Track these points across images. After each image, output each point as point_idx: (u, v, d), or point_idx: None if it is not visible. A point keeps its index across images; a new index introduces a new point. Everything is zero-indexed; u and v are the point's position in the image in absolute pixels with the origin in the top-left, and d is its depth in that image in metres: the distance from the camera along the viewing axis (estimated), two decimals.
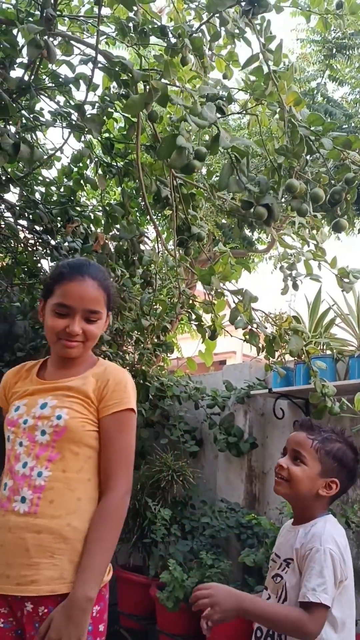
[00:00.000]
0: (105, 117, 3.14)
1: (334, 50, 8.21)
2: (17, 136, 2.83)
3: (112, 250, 3.66)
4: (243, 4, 2.66)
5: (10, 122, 3.44)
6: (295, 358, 4.02)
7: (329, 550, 1.69)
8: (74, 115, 3.22)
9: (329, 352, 3.99)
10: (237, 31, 2.95)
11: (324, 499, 1.86)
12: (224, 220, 5.96)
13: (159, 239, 3.49)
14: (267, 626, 1.83)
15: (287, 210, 3.33)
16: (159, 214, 6.36)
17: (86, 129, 3.02)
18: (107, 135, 3.59)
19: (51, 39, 2.74)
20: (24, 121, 3.49)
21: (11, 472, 1.75)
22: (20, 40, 2.81)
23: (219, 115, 2.78)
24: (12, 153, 2.53)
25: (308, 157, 2.93)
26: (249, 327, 3.27)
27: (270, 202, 2.63)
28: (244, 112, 3.27)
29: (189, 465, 4.54)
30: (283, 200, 2.91)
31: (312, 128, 2.71)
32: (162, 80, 2.64)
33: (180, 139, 2.31)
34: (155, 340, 5.18)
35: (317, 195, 2.78)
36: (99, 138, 3.39)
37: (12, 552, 1.64)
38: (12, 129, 3.42)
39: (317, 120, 2.76)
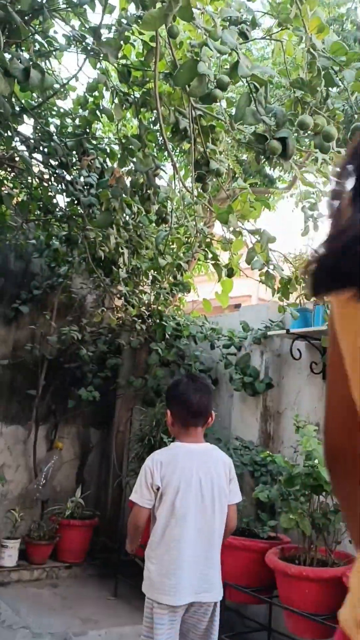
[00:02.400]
0: (122, 42, 2.96)
1: None
2: (30, 62, 2.69)
3: (128, 184, 3.55)
4: None
5: (23, 48, 3.28)
6: (314, 299, 3.95)
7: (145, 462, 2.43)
8: (89, 40, 3.04)
9: None
10: None
11: (171, 428, 2.57)
12: (244, 156, 5.76)
13: (176, 174, 3.36)
14: (130, 541, 2.53)
15: (310, 145, 3.17)
16: (177, 149, 6.16)
17: (102, 54, 2.85)
18: (123, 62, 3.41)
19: None
20: (36, 46, 3.33)
21: None
22: None
23: (241, 41, 2.61)
24: (22, 79, 2.40)
25: (333, 89, 2.75)
26: (265, 268, 3.19)
27: (286, 136, 2.47)
28: (269, 37, 3.05)
29: None
30: (304, 135, 2.76)
31: (334, 58, 2.51)
32: None
33: (202, 65, 2.16)
34: (172, 279, 5.13)
35: (329, 134, 2.58)
36: (115, 65, 3.22)
37: None
38: (26, 55, 3.27)
39: (341, 49, 2.54)
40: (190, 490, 2.37)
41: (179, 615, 2.35)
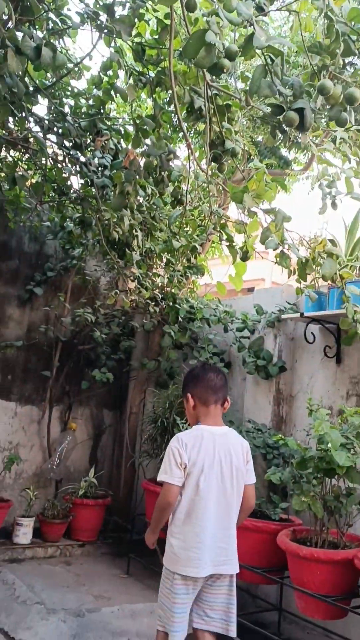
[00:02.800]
0: (136, 19, 2.92)
1: None
2: (43, 40, 2.66)
3: (141, 166, 3.52)
4: None
5: (37, 27, 3.25)
6: (329, 282, 3.91)
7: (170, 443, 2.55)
8: (103, 18, 3.00)
9: None
10: None
11: (191, 414, 2.71)
12: (260, 137, 5.69)
13: (190, 152, 3.32)
14: (155, 524, 2.63)
15: (328, 125, 3.10)
16: (192, 130, 6.10)
17: (115, 32, 2.81)
18: (138, 40, 3.36)
19: None
20: (50, 25, 3.29)
21: None
22: None
23: (257, 14, 2.55)
24: (34, 57, 2.37)
25: (349, 59, 2.66)
26: (281, 248, 3.15)
27: (304, 107, 2.39)
28: (287, 9, 2.97)
29: None
30: (320, 109, 2.67)
31: (352, 26, 2.42)
32: None
33: (210, 34, 2.09)
34: (186, 262, 5.11)
35: (353, 97, 2.44)
36: (130, 43, 3.18)
37: None
38: (39, 33, 3.24)
39: (358, 16, 2.47)
40: (212, 470, 2.53)
41: (198, 586, 2.54)
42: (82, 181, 4.32)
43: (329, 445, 2.98)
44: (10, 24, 2.49)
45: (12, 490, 5.12)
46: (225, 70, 2.26)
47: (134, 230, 4.21)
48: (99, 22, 2.96)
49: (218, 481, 2.55)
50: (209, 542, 2.51)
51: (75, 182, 4.51)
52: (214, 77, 3.11)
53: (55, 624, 3.36)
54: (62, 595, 3.85)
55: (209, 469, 2.52)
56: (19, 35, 2.52)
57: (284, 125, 2.46)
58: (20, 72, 2.79)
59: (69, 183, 4.36)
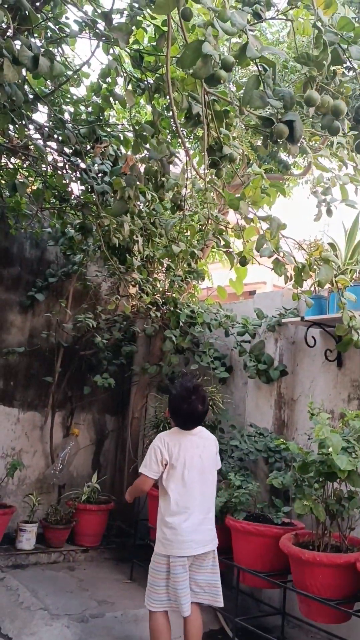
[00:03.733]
0: (133, 27, 2.94)
1: None
2: (42, 49, 2.69)
3: (142, 172, 3.53)
4: None
5: (35, 35, 3.28)
6: (329, 287, 3.92)
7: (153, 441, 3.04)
8: (101, 25, 3.02)
9: None
10: None
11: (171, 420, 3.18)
12: (259, 142, 5.70)
13: (189, 159, 3.34)
14: (132, 494, 3.23)
15: (321, 130, 3.11)
16: (190, 136, 6.12)
17: (113, 39, 2.83)
18: (136, 47, 3.39)
19: None
20: (48, 33, 3.32)
21: None
22: None
23: (253, 21, 2.56)
24: (31, 67, 2.39)
25: (341, 68, 2.67)
26: (275, 255, 3.16)
27: (293, 119, 2.41)
28: (284, 18, 2.98)
29: (218, 390, 4.59)
30: (313, 118, 2.68)
31: (342, 34, 2.41)
32: None
33: (207, 45, 2.11)
34: (186, 267, 5.13)
35: (338, 108, 2.47)
36: (128, 50, 3.20)
37: None
38: (38, 42, 3.27)
39: (348, 25, 2.45)
40: (193, 464, 2.99)
41: (189, 563, 2.98)
42: (83, 187, 4.34)
43: (330, 449, 2.98)
44: (9, 33, 2.52)
45: (15, 496, 5.13)
46: (222, 81, 2.27)
47: (134, 236, 4.23)
48: (97, 30, 2.98)
49: (199, 472, 3.01)
50: (197, 526, 2.97)
51: (76, 188, 4.54)
52: None
53: (59, 630, 3.36)
54: (65, 600, 3.86)
55: (190, 463, 2.98)
56: (17, 44, 2.54)
57: (274, 136, 2.47)
58: (19, 81, 2.81)
59: (69, 189, 4.38)
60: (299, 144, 2.50)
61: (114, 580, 4.39)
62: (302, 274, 3.20)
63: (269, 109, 2.44)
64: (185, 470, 2.98)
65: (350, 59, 2.34)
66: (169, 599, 2.98)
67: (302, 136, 2.42)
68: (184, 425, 3.08)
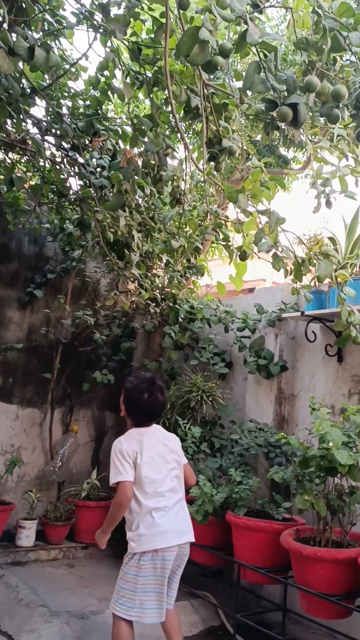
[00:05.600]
0: (131, 18, 2.91)
1: None
2: (39, 42, 2.66)
3: (139, 165, 3.51)
4: None
5: (32, 28, 3.25)
6: (329, 281, 3.90)
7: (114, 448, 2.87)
8: (99, 17, 2.99)
9: None
10: None
11: (127, 421, 3.02)
12: (258, 137, 5.68)
13: (187, 152, 3.31)
14: (111, 522, 2.90)
15: (326, 122, 3.08)
16: (190, 131, 6.09)
17: (111, 31, 2.80)
18: (134, 39, 3.36)
19: None
20: (45, 26, 3.29)
21: None
22: None
23: (251, 11, 2.53)
24: (27, 58, 2.36)
25: (341, 55, 2.63)
26: (274, 250, 3.13)
27: (297, 102, 2.37)
28: (283, 6, 2.95)
29: (218, 386, 4.57)
30: (313, 108, 2.64)
31: (341, 21, 2.38)
32: None
33: (204, 31, 2.07)
34: (186, 262, 5.10)
35: (339, 93, 2.42)
36: (126, 42, 3.17)
37: None
38: (35, 34, 3.24)
39: (348, 11, 2.40)
40: (156, 460, 2.86)
41: (168, 567, 2.79)
42: (81, 182, 4.31)
43: (330, 444, 2.97)
44: (5, 25, 2.49)
45: (14, 493, 5.12)
46: (219, 68, 2.24)
47: (132, 231, 4.20)
48: (94, 22, 2.95)
49: (164, 466, 2.87)
50: (171, 518, 2.82)
51: (74, 183, 4.51)
52: (210, 76, 3.09)
53: (59, 627, 3.35)
54: (65, 597, 3.84)
55: (153, 460, 2.84)
56: (14, 37, 2.51)
57: (277, 121, 2.44)
58: (16, 73, 2.78)
59: (67, 184, 4.36)
60: (301, 132, 2.47)
61: (113, 577, 4.33)
62: (302, 268, 3.17)
63: (270, 95, 2.40)
64: (150, 466, 2.83)
65: (350, 46, 2.31)
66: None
67: (305, 122, 2.38)
68: (146, 419, 2.95)
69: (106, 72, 3.66)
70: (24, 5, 2.64)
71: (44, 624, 3.35)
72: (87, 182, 4.01)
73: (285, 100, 2.34)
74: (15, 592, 3.78)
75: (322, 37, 2.22)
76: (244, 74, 2.87)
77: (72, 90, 4.02)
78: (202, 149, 3.14)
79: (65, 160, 4.16)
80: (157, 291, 5.03)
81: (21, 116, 3.56)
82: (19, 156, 4.64)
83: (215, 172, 3.39)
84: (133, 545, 2.80)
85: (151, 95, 3.48)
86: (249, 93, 2.72)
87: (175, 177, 3.48)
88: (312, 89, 2.33)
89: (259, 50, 2.22)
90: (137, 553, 2.77)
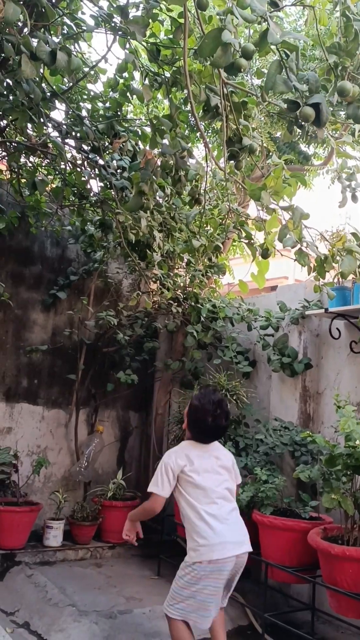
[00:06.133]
0: (149, 20, 2.92)
1: None
2: (59, 46, 2.68)
3: (159, 166, 3.51)
4: None
5: (52, 32, 3.28)
6: (353, 277, 3.86)
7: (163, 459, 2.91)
8: (117, 19, 3.01)
9: None
10: None
11: (188, 431, 3.04)
12: (278, 134, 5.64)
13: (208, 151, 3.31)
14: (139, 516, 3.06)
15: (347, 119, 3.06)
16: (209, 130, 6.08)
17: (129, 33, 2.81)
18: (152, 40, 3.36)
19: None
20: (65, 30, 3.32)
21: None
22: None
23: (271, 10, 2.52)
24: (49, 62, 2.39)
25: None
26: (299, 246, 3.11)
27: (319, 102, 2.35)
28: (301, 4, 2.94)
29: (242, 385, 4.56)
30: (337, 103, 2.63)
31: None
32: None
33: (226, 33, 2.08)
34: (207, 261, 5.10)
35: None
36: (144, 43, 3.18)
37: None
38: (55, 39, 3.26)
39: None
40: (207, 469, 2.87)
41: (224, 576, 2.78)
42: (102, 184, 4.34)
43: (357, 442, 2.93)
44: (25, 30, 2.52)
45: (41, 493, 5.17)
46: (242, 70, 2.23)
47: (153, 231, 4.21)
48: (113, 24, 2.97)
49: (217, 477, 2.88)
50: (229, 527, 2.81)
51: (95, 185, 4.54)
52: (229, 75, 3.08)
53: (88, 626, 3.37)
54: (93, 597, 3.87)
55: (205, 471, 2.86)
56: (34, 41, 2.54)
57: (300, 120, 2.42)
58: (37, 78, 2.81)
59: (88, 186, 4.39)
60: (322, 129, 2.45)
61: (141, 577, 4.39)
62: (325, 265, 3.15)
63: (292, 95, 2.39)
64: (202, 477, 2.85)
65: None
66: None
67: (327, 121, 2.36)
68: (205, 439, 2.96)
69: (125, 74, 3.68)
70: (43, 10, 2.67)
71: (73, 623, 3.38)
72: (108, 183, 4.03)
73: (307, 100, 2.33)
74: (44, 591, 3.82)
75: (353, 40, 2.20)
76: (264, 71, 2.86)
77: (92, 93, 4.05)
78: (222, 148, 3.14)
79: (85, 162, 4.20)
80: (179, 291, 5.03)
81: (42, 120, 3.60)
82: (40, 160, 4.68)
83: (236, 171, 3.38)
84: (192, 555, 2.78)
85: (170, 96, 3.49)
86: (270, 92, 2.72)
87: (197, 177, 3.48)
88: (345, 93, 2.33)
89: (280, 49, 2.22)
90: (195, 562, 2.75)
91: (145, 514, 2.98)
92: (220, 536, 2.75)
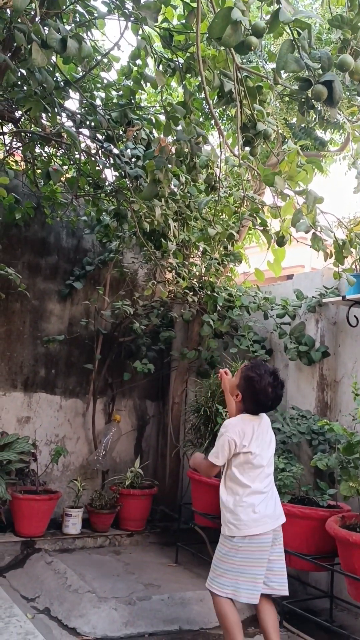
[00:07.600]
0: (162, 4, 2.88)
1: None
2: (70, 33, 2.66)
3: (173, 153, 3.49)
4: None
5: (65, 21, 3.26)
6: None
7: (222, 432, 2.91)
8: (129, 5, 2.98)
9: None
10: None
11: (232, 407, 3.11)
12: (294, 120, 5.57)
13: (222, 137, 3.28)
14: (197, 469, 3.14)
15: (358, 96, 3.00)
16: (224, 117, 6.03)
17: (142, 18, 2.78)
18: (165, 25, 3.33)
19: None
20: (77, 17, 3.29)
21: None
22: None
23: None
24: (60, 49, 2.37)
25: None
26: (313, 230, 3.06)
27: (332, 79, 2.29)
28: None
29: None
30: (353, 88, 2.58)
31: None
32: None
33: (236, 11, 2.03)
34: (223, 250, 5.07)
35: None
36: (157, 29, 3.15)
37: None
38: (67, 27, 3.24)
39: None
40: (263, 448, 2.89)
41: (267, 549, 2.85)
42: (116, 173, 4.33)
43: None
44: (37, 19, 2.50)
45: (60, 482, 5.22)
46: (252, 48, 2.19)
47: (168, 220, 4.19)
48: (125, 11, 2.94)
49: (267, 455, 2.91)
50: (270, 502, 2.88)
51: (110, 174, 4.53)
52: (243, 59, 3.04)
53: (107, 612, 3.41)
54: (112, 584, 3.90)
55: (260, 448, 2.87)
56: (45, 29, 2.52)
57: (312, 100, 2.37)
58: (49, 66, 2.80)
59: (103, 176, 4.38)
60: (337, 112, 2.40)
61: (159, 564, 4.42)
62: (343, 250, 3.11)
63: (304, 74, 2.33)
64: (257, 453, 2.87)
65: None
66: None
67: (341, 100, 2.31)
68: (262, 410, 2.95)
69: (138, 61, 3.65)
70: None
71: (92, 609, 3.42)
72: (123, 172, 4.02)
73: (319, 78, 2.27)
74: (64, 578, 3.87)
75: (358, 14, 2.15)
76: (277, 54, 2.81)
77: (105, 81, 4.03)
78: (236, 134, 3.10)
79: (100, 151, 4.18)
80: (195, 280, 5.01)
81: (56, 109, 3.59)
82: (54, 150, 4.68)
83: (250, 157, 3.34)
84: (232, 528, 2.85)
85: (184, 82, 3.46)
86: (283, 73, 2.66)
87: (210, 163, 3.44)
88: (345, 67, 2.26)
89: (292, 28, 2.17)
90: (235, 536, 2.82)
91: (200, 470, 3.09)
92: (261, 512, 2.82)
